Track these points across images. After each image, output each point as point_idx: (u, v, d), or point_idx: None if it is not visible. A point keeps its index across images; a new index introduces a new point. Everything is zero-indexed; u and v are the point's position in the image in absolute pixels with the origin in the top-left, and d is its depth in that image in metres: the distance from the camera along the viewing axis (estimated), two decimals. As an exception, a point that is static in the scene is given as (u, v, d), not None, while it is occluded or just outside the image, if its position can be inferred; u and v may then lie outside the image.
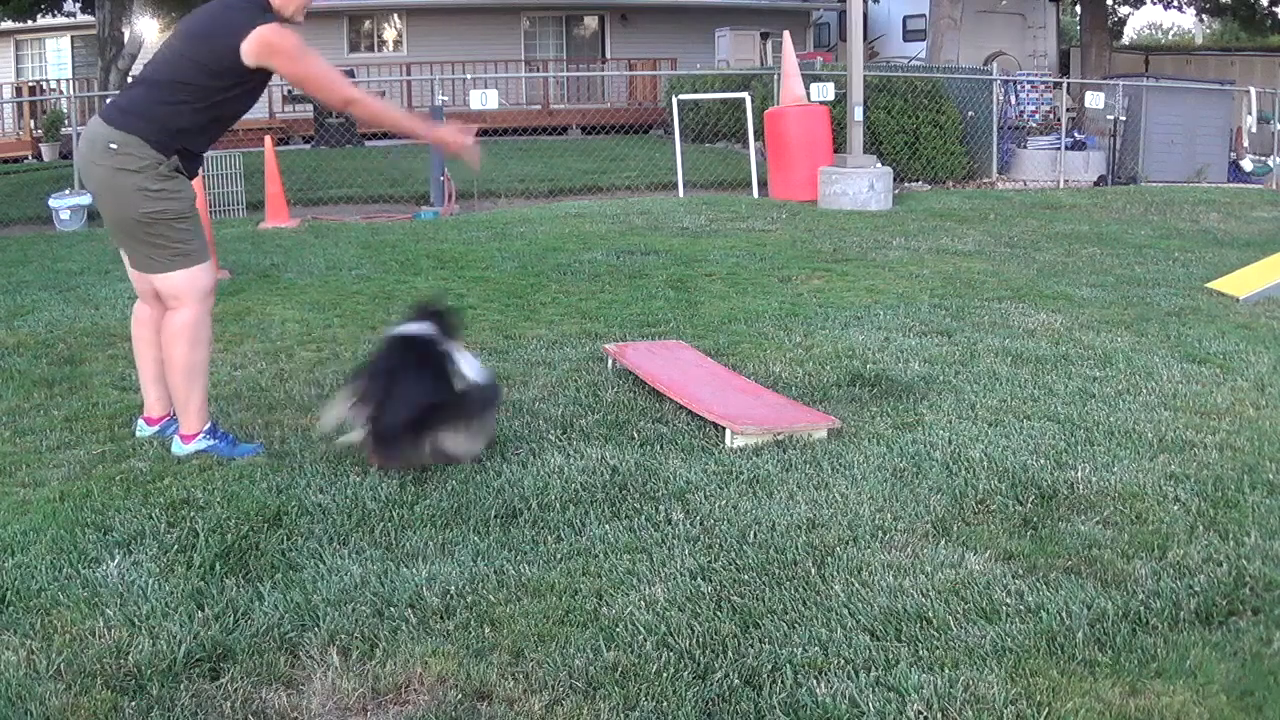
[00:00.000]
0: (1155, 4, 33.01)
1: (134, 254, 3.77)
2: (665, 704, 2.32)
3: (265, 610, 2.70)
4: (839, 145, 12.26)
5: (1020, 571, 2.91)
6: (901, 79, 14.17)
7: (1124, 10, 29.83)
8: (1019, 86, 15.81)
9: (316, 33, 22.61)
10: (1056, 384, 4.66)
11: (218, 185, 11.06)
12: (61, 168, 15.24)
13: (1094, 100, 14.58)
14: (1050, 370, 4.88)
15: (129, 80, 15.03)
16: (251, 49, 3.52)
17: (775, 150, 12.17)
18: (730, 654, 2.51)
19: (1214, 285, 6.90)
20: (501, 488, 3.50)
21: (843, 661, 2.47)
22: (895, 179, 11.84)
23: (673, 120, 12.93)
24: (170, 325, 3.75)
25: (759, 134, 12.68)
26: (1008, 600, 2.73)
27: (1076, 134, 15.49)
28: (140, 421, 4.07)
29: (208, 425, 3.83)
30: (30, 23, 17.46)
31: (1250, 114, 16.19)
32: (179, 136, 3.61)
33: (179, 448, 3.81)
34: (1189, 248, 8.83)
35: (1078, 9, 25.61)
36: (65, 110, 18.72)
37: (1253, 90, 16.41)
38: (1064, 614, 2.65)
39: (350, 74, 19.67)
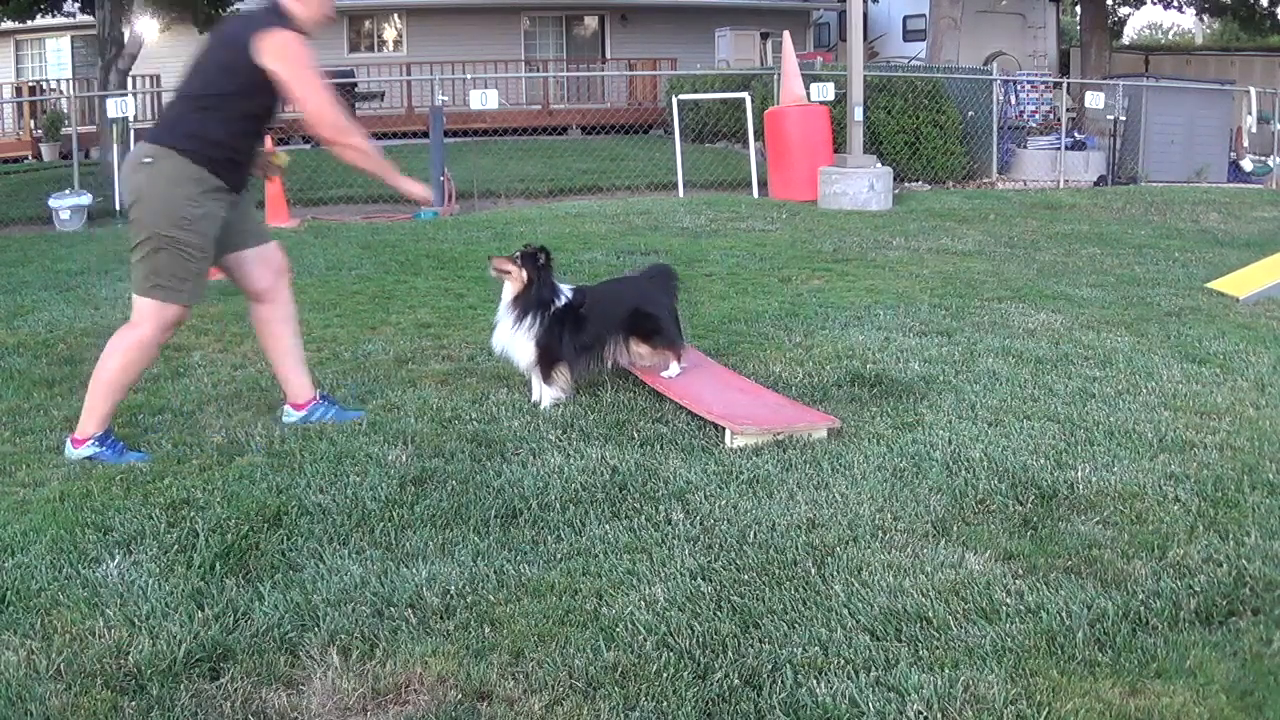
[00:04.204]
0: (1155, 4, 32.99)
1: (132, 262, 3.79)
2: (665, 704, 2.32)
3: (265, 610, 2.70)
4: (839, 145, 12.26)
5: (1020, 571, 2.91)
6: (901, 79, 14.15)
7: (1124, 10, 29.81)
8: (1019, 86, 15.80)
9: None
10: (1056, 384, 4.66)
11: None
12: (61, 168, 15.23)
13: (1094, 100, 14.56)
14: (1050, 370, 4.88)
15: (129, 79, 15.09)
16: (264, 47, 3.60)
17: (775, 150, 12.17)
18: (730, 654, 2.51)
19: (1214, 285, 6.90)
20: (501, 488, 3.50)
21: (843, 661, 2.47)
22: (895, 179, 11.83)
23: (673, 120, 12.92)
24: (120, 337, 3.81)
25: (759, 134, 12.68)
26: (1008, 600, 2.73)
27: (1076, 134, 15.48)
28: (285, 407, 4.15)
29: (99, 433, 3.82)
30: (30, 23, 17.45)
31: (1250, 114, 16.16)
32: (211, 145, 3.67)
33: (69, 451, 3.83)
34: (1189, 248, 8.83)
35: (1078, 9, 25.59)
36: (65, 110, 18.73)
37: (1253, 90, 16.39)
38: (1064, 614, 2.65)
39: (350, 74, 19.71)
